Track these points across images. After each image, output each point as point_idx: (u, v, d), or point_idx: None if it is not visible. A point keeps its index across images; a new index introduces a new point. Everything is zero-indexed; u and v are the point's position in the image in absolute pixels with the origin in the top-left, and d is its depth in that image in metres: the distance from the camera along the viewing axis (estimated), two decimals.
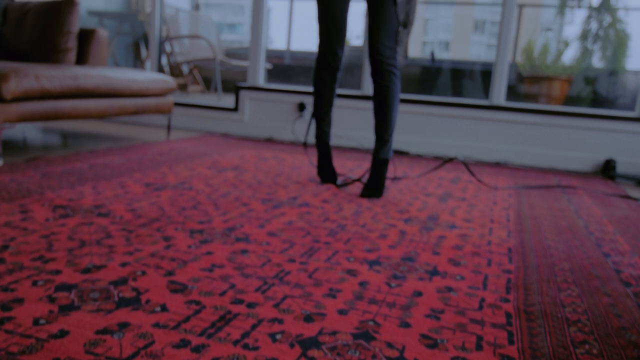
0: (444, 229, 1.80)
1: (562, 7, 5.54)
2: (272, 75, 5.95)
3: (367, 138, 3.75)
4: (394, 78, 2.20)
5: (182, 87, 6.10)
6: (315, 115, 2.47)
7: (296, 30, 6.80)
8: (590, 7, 5.45)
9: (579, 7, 5.46)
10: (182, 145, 3.29)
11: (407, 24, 2.20)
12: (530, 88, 5.52)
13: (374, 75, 2.21)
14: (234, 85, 4.13)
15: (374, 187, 2.21)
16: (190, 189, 2.12)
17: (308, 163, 2.92)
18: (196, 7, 6.77)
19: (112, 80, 3.02)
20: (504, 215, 2.06)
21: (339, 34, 2.29)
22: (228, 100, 4.69)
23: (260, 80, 4.25)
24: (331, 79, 2.38)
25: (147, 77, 3.36)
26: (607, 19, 5.33)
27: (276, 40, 7.65)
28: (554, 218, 2.07)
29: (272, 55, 6.77)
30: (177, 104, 4.24)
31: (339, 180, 2.44)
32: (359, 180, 2.38)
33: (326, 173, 2.45)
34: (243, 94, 4.13)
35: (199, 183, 2.25)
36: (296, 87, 4.19)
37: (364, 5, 2.24)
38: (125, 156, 2.78)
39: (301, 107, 3.97)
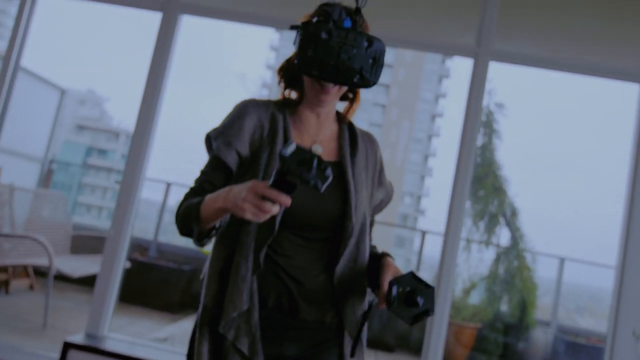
0: None
1: (468, 242, 5.10)
2: (130, 277, 4.69)
3: None
4: None
5: (2, 285, 4.58)
6: None
7: (168, 219, 5.73)
8: (498, 246, 5.06)
9: (487, 245, 5.05)
10: None
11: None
12: None
13: None
14: (89, 245, 2.87)
15: None
16: None
17: None
18: (47, 176, 5.48)
19: None
20: None
21: None
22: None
23: (105, 329, 3.02)
24: None
25: None
26: (515, 263, 4.94)
27: (143, 223, 6.51)
28: None
29: (134, 244, 5.55)
30: None
31: None
32: None
33: None
34: (72, 355, 2.84)
35: None
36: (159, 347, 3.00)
37: None
38: None
39: None
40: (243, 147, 1.24)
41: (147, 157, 3.15)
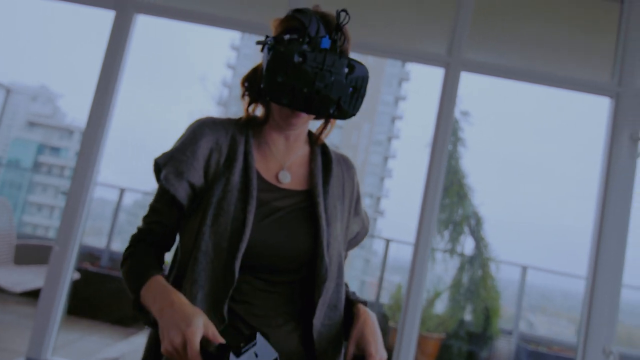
0: None
1: (433, 251, 5.03)
2: (80, 289, 4.41)
3: None
4: None
5: None
6: None
7: (122, 221, 5.46)
8: (463, 255, 5.01)
9: (452, 254, 4.99)
10: None
11: None
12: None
13: None
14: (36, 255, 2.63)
15: None
16: None
17: None
18: None
19: None
20: None
21: None
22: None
23: (48, 352, 2.79)
24: None
25: None
26: (479, 272, 4.90)
27: (97, 223, 6.24)
28: None
29: (84, 252, 5.26)
30: None
31: None
32: None
33: None
34: None
35: None
36: None
37: None
38: None
39: None
40: (196, 177, 1.05)
41: (99, 160, 2.94)
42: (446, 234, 4.95)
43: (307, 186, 1.13)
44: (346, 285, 1.20)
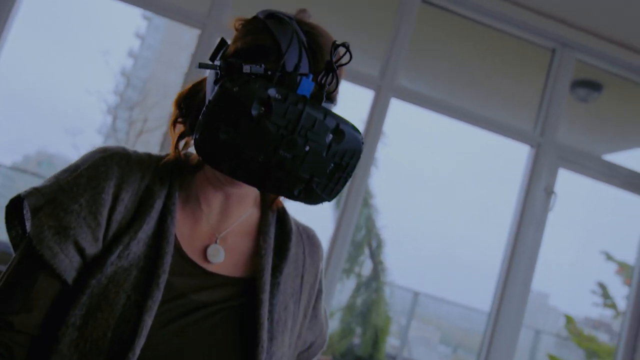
0: None
1: None
2: None
3: None
4: None
5: None
6: None
7: None
8: (360, 277, 4.89)
9: (349, 275, 4.86)
10: None
11: None
12: None
13: None
14: None
15: None
16: None
17: None
18: None
19: None
20: None
21: None
22: None
23: None
24: None
25: None
26: (374, 296, 4.82)
27: None
28: None
29: None
30: None
31: None
32: None
33: None
34: None
35: None
36: None
37: None
38: None
39: None
40: (89, 238, 0.64)
41: None
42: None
43: (248, 272, 0.75)
44: None
